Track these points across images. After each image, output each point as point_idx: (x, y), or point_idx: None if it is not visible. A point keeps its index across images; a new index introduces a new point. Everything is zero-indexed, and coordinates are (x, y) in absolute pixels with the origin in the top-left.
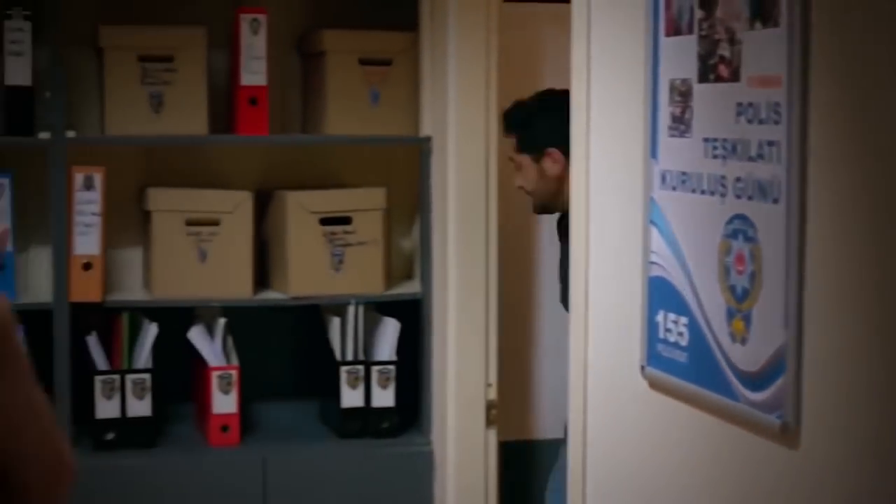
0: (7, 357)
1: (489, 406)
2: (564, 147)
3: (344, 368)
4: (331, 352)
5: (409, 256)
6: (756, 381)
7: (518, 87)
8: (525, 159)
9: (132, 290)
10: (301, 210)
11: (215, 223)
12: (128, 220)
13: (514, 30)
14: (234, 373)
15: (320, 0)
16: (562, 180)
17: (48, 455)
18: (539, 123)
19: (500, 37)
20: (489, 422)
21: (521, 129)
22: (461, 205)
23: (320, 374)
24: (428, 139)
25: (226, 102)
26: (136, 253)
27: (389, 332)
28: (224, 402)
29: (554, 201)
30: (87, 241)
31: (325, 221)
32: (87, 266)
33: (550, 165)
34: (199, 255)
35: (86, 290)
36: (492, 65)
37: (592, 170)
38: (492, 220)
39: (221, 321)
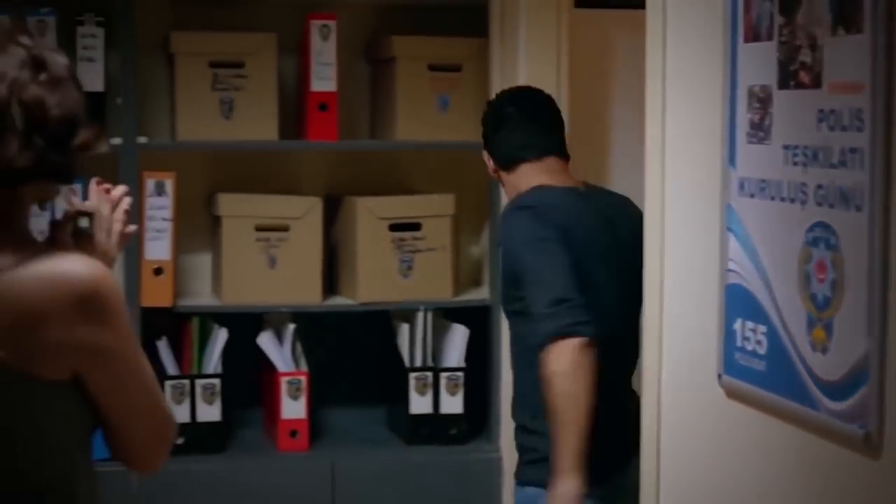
0: (111, 314)
1: None
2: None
3: (413, 375)
4: (399, 358)
5: (477, 263)
6: (837, 390)
7: (588, 94)
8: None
9: (200, 296)
10: (370, 216)
11: (285, 229)
12: (196, 226)
13: (585, 35)
14: (304, 378)
15: (389, 6)
16: (502, 178)
17: (151, 408)
18: (484, 118)
19: (570, 42)
20: None
21: (483, 125)
22: None
23: (388, 381)
24: None
25: (295, 108)
26: (203, 258)
27: (458, 338)
28: (293, 408)
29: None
30: (157, 247)
31: (394, 227)
32: (157, 271)
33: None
34: (269, 260)
35: (157, 295)
36: (562, 71)
37: (668, 177)
38: None
39: (291, 327)
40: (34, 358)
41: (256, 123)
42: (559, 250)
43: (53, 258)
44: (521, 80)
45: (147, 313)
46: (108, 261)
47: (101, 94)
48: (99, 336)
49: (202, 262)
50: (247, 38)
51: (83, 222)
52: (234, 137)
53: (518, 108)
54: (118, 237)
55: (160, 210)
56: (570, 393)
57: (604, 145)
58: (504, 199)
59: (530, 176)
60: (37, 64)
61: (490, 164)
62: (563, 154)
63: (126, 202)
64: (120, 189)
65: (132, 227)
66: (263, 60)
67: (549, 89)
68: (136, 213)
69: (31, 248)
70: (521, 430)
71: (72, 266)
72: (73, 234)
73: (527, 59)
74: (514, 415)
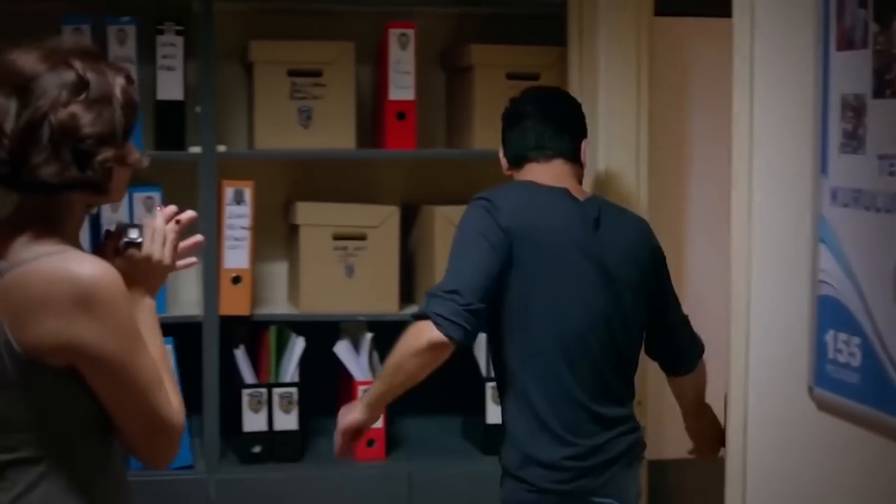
0: (106, 314)
1: None
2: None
3: (489, 384)
4: (476, 368)
5: None
6: None
7: (669, 102)
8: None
9: (276, 304)
10: (448, 225)
11: (362, 238)
12: (273, 234)
13: (666, 44)
14: None
15: (467, 15)
16: (514, 177)
17: (143, 409)
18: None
19: (650, 51)
20: None
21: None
22: None
23: (464, 390)
24: None
25: (371, 117)
26: (279, 267)
27: None
28: None
29: None
30: (236, 255)
31: None
32: (236, 280)
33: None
34: (346, 269)
35: (235, 303)
36: (643, 79)
37: (756, 187)
38: None
39: (368, 336)
40: (37, 346)
41: (334, 132)
42: (489, 252)
43: (66, 256)
44: (601, 89)
45: (224, 322)
46: (160, 269)
47: (181, 103)
48: (91, 333)
49: (278, 271)
50: (325, 46)
51: (133, 233)
52: (312, 146)
53: (535, 107)
54: (171, 247)
55: (239, 219)
56: (400, 362)
57: (684, 155)
58: None
59: (534, 176)
60: (80, 85)
61: (504, 161)
62: (573, 158)
63: (185, 216)
64: (171, 208)
65: (198, 238)
66: (341, 69)
67: (628, 98)
68: (214, 222)
69: (58, 248)
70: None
71: (76, 264)
72: (123, 243)
73: (606, 68)
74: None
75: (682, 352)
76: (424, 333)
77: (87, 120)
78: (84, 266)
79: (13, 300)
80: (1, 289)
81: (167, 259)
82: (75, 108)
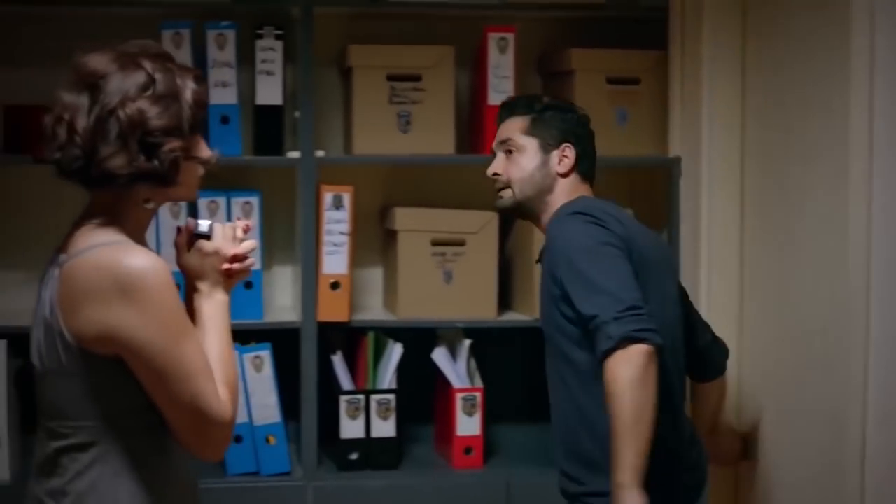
0: (148, 305)
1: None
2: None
3: None
4: None
5: None
6: None
7: (775, 107)
8: (531, 143)
9: (370, 310)
10: None
11: (461, 244)
12: (366, 239)
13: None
14: (479, 395)
15: (566, 19)
16: (558, 181)
17: (185, 402)
18: (559, 114)
19: (758, 55)
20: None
21: (538, 111)
22: (713, 228)
23: None
24: (678, 160)
25: (469, 121)
26: (372, 272)
27: None
28: (468, 425)
29: (538, 201)
30: (335, 261)
31: None
32: (334, 285)
33: (560, 160)
34: (444, 275)
35: (333, 309)
36: (748, 84)
37: (875, 189)
38: (746, 245)
39: (466, 343)
40: (84, 334)
41: (433, 137)
42: (623, 259)
43: (118, 247)
44: (704, 94)
45: (321, 328)
46: (217, 259)
47: (279, 108)
48: (132, 322)
49: (373, 277)
50: (424, 50)
51: (202, 225)
52: (410, 151)
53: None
54: (235, 240)
55: (337, 224)
56: (638, 401)
57: (789, 159)
58: (683, 216)
59: (582, 192)
60: (148, 83)
61: (568, 160)
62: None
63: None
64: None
65: (251, 243)
66: (441, 73)
67: (733, 102)
68: (313, 227)
69: (114, 238)
70: (584, 465)
71: (124, 254)
72: (193, 235)
73: (710, 72)
74: (571, 453)
75: (711, 357)
76: (637, 356)
77: (153, 113)
78: (131, 256)
79: (66, 289)
80: (58, 279)
81: (228, 248)
82: (142, 103)
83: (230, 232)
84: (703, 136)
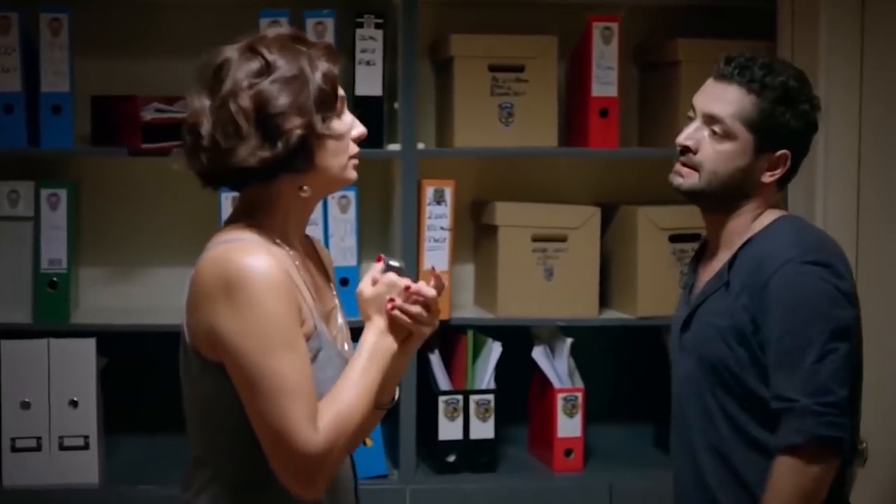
0: (247, 306)
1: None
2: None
3: None
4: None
5: None
6: None
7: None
8: (745, 137)
9: (462, 308)
10: (651, 226)
11: (562, 239)
12: (459, 235)
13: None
14: (580, 395)
15: (672, 7)
16: (759, 187)
17: (269, 419)
18: (791, 108)
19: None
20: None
21: (770, 97)
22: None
23: (657, 398)
24: None
25: (570, 113)
26: (463, 268)
27: None
28: (568, 426)
29: (727, 199)
30: (436, 257)
31: (674, 238)
32: None
33: (768, 169)
34: (545, 272)
35: None
36: (867, 77)
37: None
38: (861, 245)
39: (568, 341)
40: (195, 334)
41: (536, 130)
42: (853, 351)
43: (237, 244)
44: (819, 90)
45: None
46: (387, 290)
47: (379, 99)
48: (230, 321)
49: (464, 273)
50: (528, 40)
51: (395, 261)
52: (512, 144)
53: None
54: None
55: (438, 219)
56: None
57: None
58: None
59: (777, 200)
60: (264, 68)
61: (779, 171)
62: None
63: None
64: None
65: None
66: (544, 64)
67: (850, 99)
68: (414, 222)
69: (240, 235)
70: None
71: (238, 252)
72: (384, 266)
73: (826, 65)
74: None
75: None
76: (830, 467)
77: (268, 97)
78: (242, 254)
79: (190, 288)
80: (190, 278)
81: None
82: (257, 88)
83: (424, 277)
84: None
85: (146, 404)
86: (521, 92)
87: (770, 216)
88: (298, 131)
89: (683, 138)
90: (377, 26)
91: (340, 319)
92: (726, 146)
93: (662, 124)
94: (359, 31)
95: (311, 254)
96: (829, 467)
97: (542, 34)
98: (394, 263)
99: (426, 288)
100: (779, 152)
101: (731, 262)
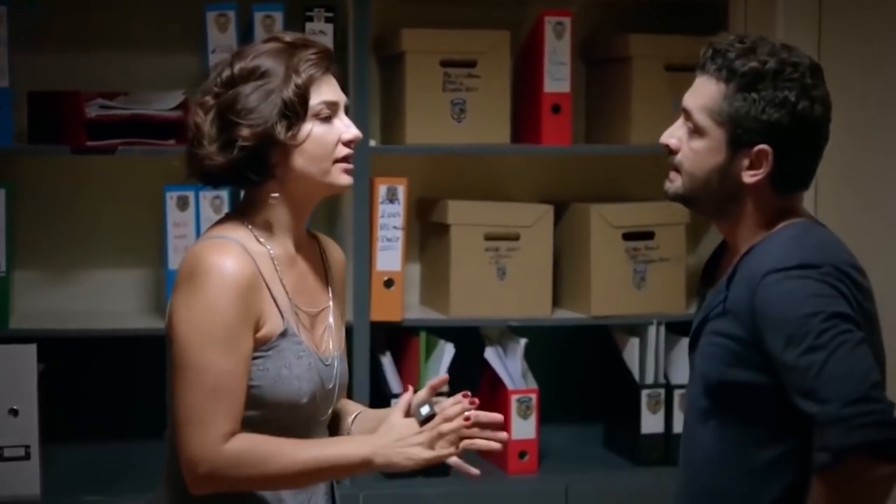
0: (194, 290)
1: None
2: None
3: (645, 392)
4: (626, 374)
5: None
6: None
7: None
8: (716, 133)
9: (409, 308)
10: (604, 224)
11: (515, 238)
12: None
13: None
14: (534, 396)
15: (620, 4)
16: (747, 194)
17: (184, 409)
18: (770, 97)
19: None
20: None
21: (743, 83)
22: None
23: (610, 398)
24: None
25: (519, 109)
26: (409, 268)
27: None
28: (523, 428)
29: (719, 203)
30: (388, 257)
31: (627, 236)
32: (388, 283)
33: (748, 168)
34: (498, 271)
35: (386, 308)
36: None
37: None
38: None
39: (522, 342)
40: (168, 320)
41: (488, 126)
42: (869, 345)
43: (215, 242)
44: None
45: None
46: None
47: None
48: (181, 309)
49: (408, 273)
50: (480, 35)
51: (425, 409)
52: (464, 140)
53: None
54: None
55: (391, 218)
56: None
57: (866, 164)
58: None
59: (799, 210)
60: (234, 78)
61: (764, 167)
62: None
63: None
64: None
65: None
66: (496, 59)
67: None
68: (367, 222)
69: (222, 233)
70: None
71: (210, 248)
72: (415, 414)
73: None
74: None
75: None
76: (877, 479)
77: (229, 104)
78: (214, 252)
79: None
80: None
81: (426, 453)
82: (224, 96)
83: (445, 436)
84: None
85: (85, 411)
86: (474, 87)
87: (779, 224)
88: (249, 140)
89: (663, 136)
90: (327, 20)
91: (331, 320)
92: (698, 143)
93: (614, 121)
94: (308, 25)
95: (314, 253)
96: (877, 480)
97: (494, 29)
98: (426, 412)
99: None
100: (756, 148)
101: (732, 276)
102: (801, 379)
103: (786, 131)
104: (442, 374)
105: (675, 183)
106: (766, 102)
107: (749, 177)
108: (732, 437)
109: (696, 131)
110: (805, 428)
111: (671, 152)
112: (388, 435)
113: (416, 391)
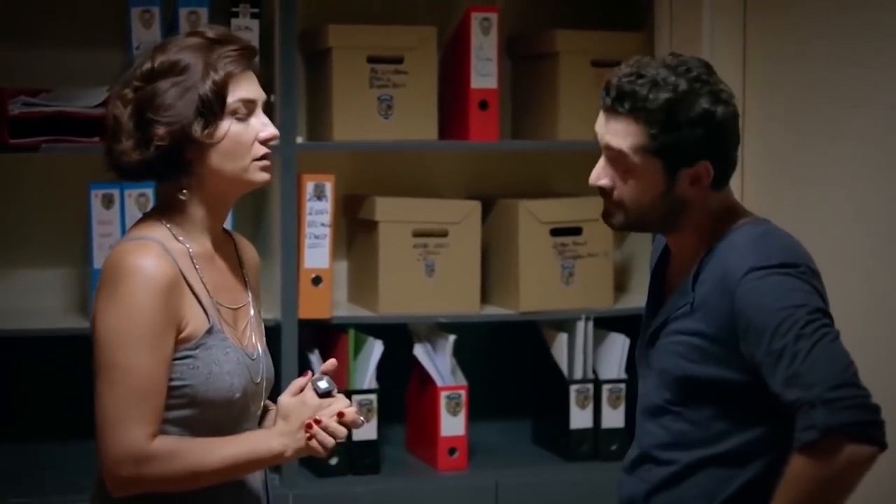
0: (113, 289)
1: None
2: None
3: (573, 387)
4: (552, 370)
5: (621, 267)
6: None
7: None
8: (652, 165)
9: (337, 305)
10: (532, 220)
11: (443, 234)
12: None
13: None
14: (463, 393)
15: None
16: (692, 204)
17: (103, 406)
18: (689, 119)
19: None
20: None
21: (663, 120)
22: None
23: (540, 393)
24: None
25: (446, 106)
26: (337, 266)
27: (618, 348)
28: (452, 424)
29: (668, 219)
30: (316, 255)
31: (555, 232)
32: (316, 280)
33: (690, 184)
34: (426, 268)
35: (314, 306)
36: (748, 67)
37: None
38: None
39: (451, 338)
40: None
41: (416, 122)
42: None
43: (137, 243)
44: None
45: (299, 324)
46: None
47: None
48: (100, 308)
49: (335, 270)
50: (407, 31)
51: (322, 383)
52: (392, 137)
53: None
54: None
55: (319, 215)
56: None
57: (798, 157)
58: None
59: (734, 202)
60: (152, 73)
61: (705, 178)
62: None
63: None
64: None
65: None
66: (423, 55)
67: (733, 89)
68: (295, 219)
69: (143, 234)
70: None
71: (131, 251)
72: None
73: (711, 50)
74: None
75: None
76: (859, 461)
77: (145, 100)
78: (135, 254)
79: None
80: None
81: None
82: (140, 92)
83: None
84: None
85: (9, 411)
86: (401, 84)
87: (730, 222)
88: (165, 139)
89: (594, 179)
90: (253, 16)
91: (252, 314)
92: (637, 179)
93: (541, 117)
94: (234, 21)
95: (229, 251)
96: (866, 462)
97: (421, 25)
98: (324, 386)
99: (355, 416)
100: (696, 165)
101: (696, 277)
102: (786, 365)
103: (714, 140)
104: (371, 371)
105: (617, 217)
106: (690, 124)
107: (693, 191)
108: (690, 430)
109: (632, 170)
110: (768, 422)
111: (606, 193)
112: (290, 423)
113: (344, 392)
